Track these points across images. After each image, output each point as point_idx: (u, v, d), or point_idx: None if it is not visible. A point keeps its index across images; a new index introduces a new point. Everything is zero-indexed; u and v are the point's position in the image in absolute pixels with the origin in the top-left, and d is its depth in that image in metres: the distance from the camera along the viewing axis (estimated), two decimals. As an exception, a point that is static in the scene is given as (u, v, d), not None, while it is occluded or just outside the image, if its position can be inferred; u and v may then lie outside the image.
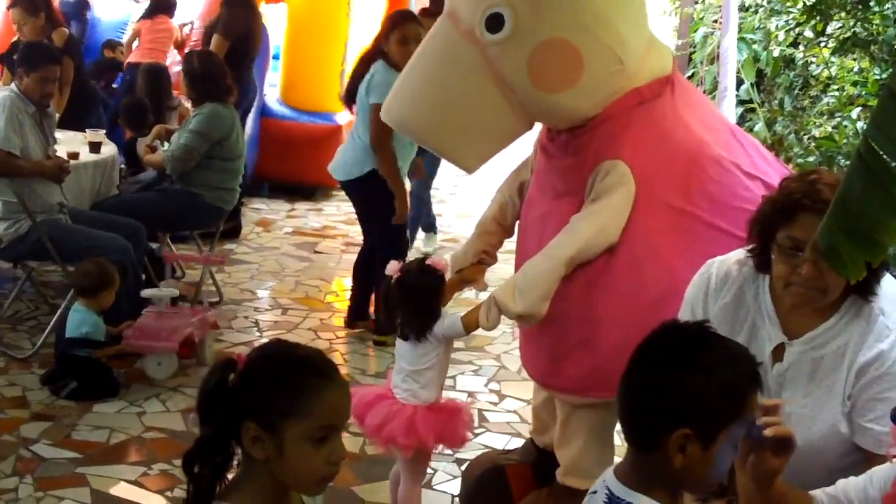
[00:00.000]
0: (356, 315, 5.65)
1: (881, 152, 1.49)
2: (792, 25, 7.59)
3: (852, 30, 6.16)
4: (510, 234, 3.43)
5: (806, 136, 7.13)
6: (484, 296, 3.15)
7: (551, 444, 3.25)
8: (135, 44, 8.97)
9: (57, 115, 5.72)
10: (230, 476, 1.78)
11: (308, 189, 8.85)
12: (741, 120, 7.73)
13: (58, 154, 5.40)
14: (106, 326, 4.73)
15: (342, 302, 6.17)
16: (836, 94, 6.88)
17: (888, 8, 5.76)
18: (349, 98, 5.45)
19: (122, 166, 6.53)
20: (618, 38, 2.87)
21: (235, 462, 1.79)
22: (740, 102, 7.71)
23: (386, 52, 5.21)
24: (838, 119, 6.62)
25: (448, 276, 3.37)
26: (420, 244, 7.25)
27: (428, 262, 3.34)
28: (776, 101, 7.95)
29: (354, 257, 5.82)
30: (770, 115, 7.68)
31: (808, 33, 7.21)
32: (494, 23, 2.82)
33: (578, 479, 3.01)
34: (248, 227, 7.76)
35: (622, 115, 2.91)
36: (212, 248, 6.03)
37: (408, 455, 3.31)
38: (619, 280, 2.89)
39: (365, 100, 5.22)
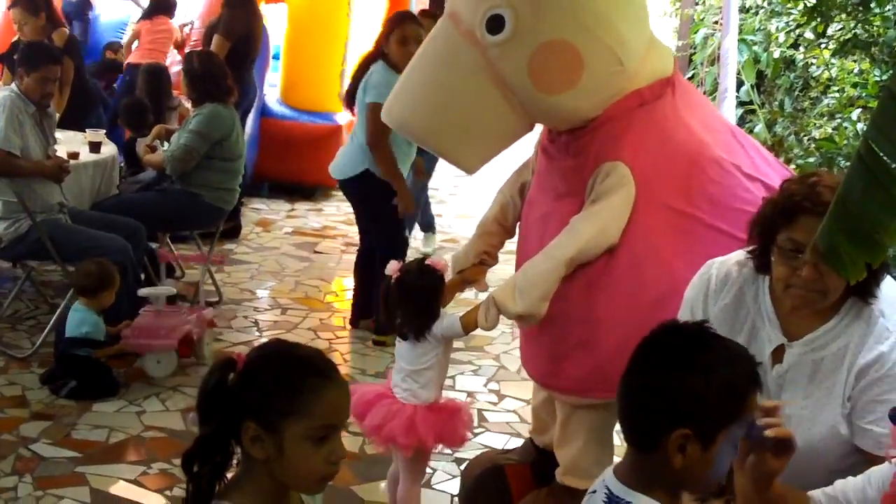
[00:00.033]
0: (360, 314, 5.66)
1: (881, 153, 1.49)
2: (792, 27, 7.59)
3: (853, 31, 6.16)
4: (511, 235, 3.43)
5: (806, 138, 7.12)
6: (483, 296, 3.15)
7: (551, 444, 3.26)
8: (134, 44, 8.97)
9: (57, 115, 5.72)
10: (230, 475, 1.79)
11: (308, 189, 8.85)
12: (741, 121, 7.73)
13: (58, 154, 5.40)
14: (105, 326, 4.73)
15: (342, 302, 6.18)
16: (837, 95, 6.88)
17: (889, 10, 5.76)
18: (350, 100, 5.46)
19: (122, 165, 6.53)
20: (618, 39, 2.87)
21: (235, 461, 1.79)
22: (740, 104, 7.71)
23: (386, 54, 5.23)
24: (838, 120, 6.61)
25: (448, 276, 3.37)
26: (419, 244, 7.25)
27: (427, 262, 3.35)
28: (776, 103, 7.95)
29: (354, 257, 5.82)
30: (770, 116, 7.68)
31: (809, 35, 7.21)
32: (495, 24, 2.82)
33: (578, 479, 3.01)
34: (248, 227, 7.76)
35: (623, 117, 2.91)
36: (212, 248, 6.03)
37: (407, 454, 3.31)
38: (619, 281, 2.89)
39: (362, 99, 5.23)
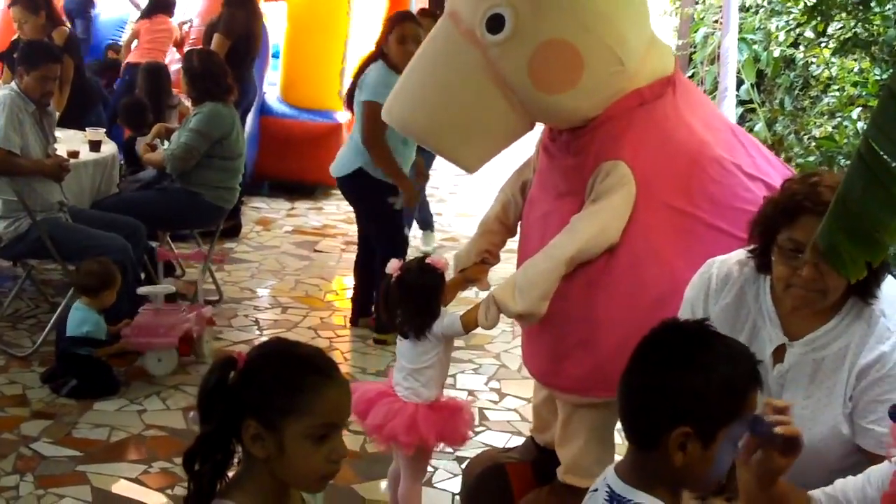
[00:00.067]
0: (360, 312, 5.66)
1: (881, 152, 1.49)
2: (792, 26, 7.59)
3: (853, 30, 6.16)
4: (513, 234, 3.43)
5: (806, 137, 7.13)
6: (483, 295, 3.15)
7: (552, 443, 3.26)
8: (134, 44, 8.96)
9: (57, 114, 5.72)
10: (231, 474, 1.79)
11: (308, 187, 8.85)
12: (741, 120, 7.74)
13: (58, 153, 5.40)
14: (105, 325, 4.74)
15: (342, 300, 6.18)
16: (837, 94, 6.88)
17: (889, 9, 5.76)
18: (350, 100, 5.48)
19: (122, 163, 6.52)
20: (618, 39, 2.87)
21: (236, 460, 1.79)
22: (740, 103, 7.72)
23: (386, 53, 5.24)
24: (839, 119, 6.62)
25: (449, 274, 3.37)
26: (419, 243, 7.25)
27: (428, 260, 3.34)
28: (776, 102, 7.95)
29: (354, 256, 5.82)
30: (770, 115, 7.68)
31: (809, 34, 7.21)
32: (495, 23, 2.82)
33: (579, 478, 3.01)
34: (248, 226, 7.76)
35: (623, 116, 2.91)
36: (212, 246, 6.03)
37: (409, 453, 3.31)
38: (620, 280, 2.89)
39: (359, 98, 5.26)
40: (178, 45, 9.03)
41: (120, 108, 7.18)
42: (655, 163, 2.90)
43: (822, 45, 7.05)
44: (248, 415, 1.72)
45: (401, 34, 5.19)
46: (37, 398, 4.54)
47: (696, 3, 8.89)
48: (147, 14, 8.83)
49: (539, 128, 3.16)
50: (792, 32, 7.65)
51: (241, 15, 7.40)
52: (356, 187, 5.41)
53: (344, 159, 5.41)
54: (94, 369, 4.62)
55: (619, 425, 1.95)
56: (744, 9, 7.93)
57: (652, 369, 1.76)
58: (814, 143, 6.70)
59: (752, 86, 7.72)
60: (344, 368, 4.73)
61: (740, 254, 2.53)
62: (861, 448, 2.33)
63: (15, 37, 7.28)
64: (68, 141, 5.87)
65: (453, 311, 3.31)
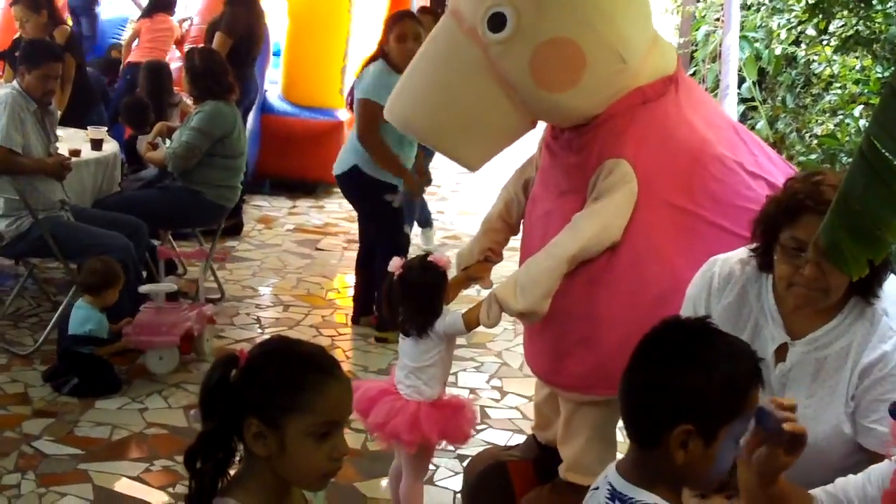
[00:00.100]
0: (362, 310, 5.67)
1: (883, 150, 1.49)
2: (794, 24, 7.60)
3: (854, 28, 6.16)
4: (516, 232, 3.43)
5: (808, 135, 7.14)
6: (485, 293, 3.15)
7: (553, 441, 3.26)
8: (135, 43, 8.96)
9: (59, 113, 5.72)
10: (232, 472, 1.79)
11: (309, 186, 8.85)
12: (743, 118, 7.74)
13: (59, 151, 5.40)
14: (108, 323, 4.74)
15: (344, 299, 6.18)
16: (839, 92, 6.88)
17: (890, 6, 5.76)
18: (351, 100, 5.50)
19: (123, 160, 6.52)
20: (620, 37, 2.87)
21: (238, 458, 1.79)
22: (742, 101, 7.72)
23: (387, 52, 5.25)
24: (840, 117, 6.62)
25: (451, 273, 3.37)
26: (418, 241, 7.24)
27: (430, 258, 3.34)
28: (778, 100, 7.96)
29: (356, 254, 5.83)
30: (772, 113, 7.69)
31: (811, 31, 7.22)
32: (497, 22, 2.82)
33: (581, 476, 3.01)
34: (250, 225, 7.76)
35: (625, 114, 2.91)
36: (213, 245, 6.03)
37: (411, 451, 3.31)
38: (621, 278, 2.89)
39: (356, 96, 5.28)
40: (179, 43, 9.03)
41: (121, 107, 7.18)
42: (657, 161, 2.90)
43: (824, 42, 7.05)
44: (249, 413, 1.72)
45: (400, 32, 5.20)
46: (38, 396, 4.55)
47: (698, 1, 8.89)
48: (148, 13, 8.83)
49: (541, 126, 3.16)
50: (793, 30, 7.66)
51: (242, 13, 7.39)
52: (352, 185, 5.44)
53: (341, 157, 5.45)
54: (96, 368, 4.62)
55: (620, 423, 1.94)
56: (745, 7, 7.94)
57: (653, 367, 1.76)
58: (815, 141, 6.71)
59: (753, 84, 7.73)
60: (345, 367, 4.74)
61: (742, 252, 2.53)
62: (863, 447, 2.33)
63: (17, 35, 7.29)
64: (70, 140, 5.87)
65: (455, 310, 3.31)
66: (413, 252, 5.41)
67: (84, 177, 5.64)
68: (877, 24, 6.05)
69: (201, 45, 7.12)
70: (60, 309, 5.03)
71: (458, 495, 3.80)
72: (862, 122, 6.05)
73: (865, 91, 6.49)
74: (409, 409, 3.30)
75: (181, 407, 4.51)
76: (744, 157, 3.00)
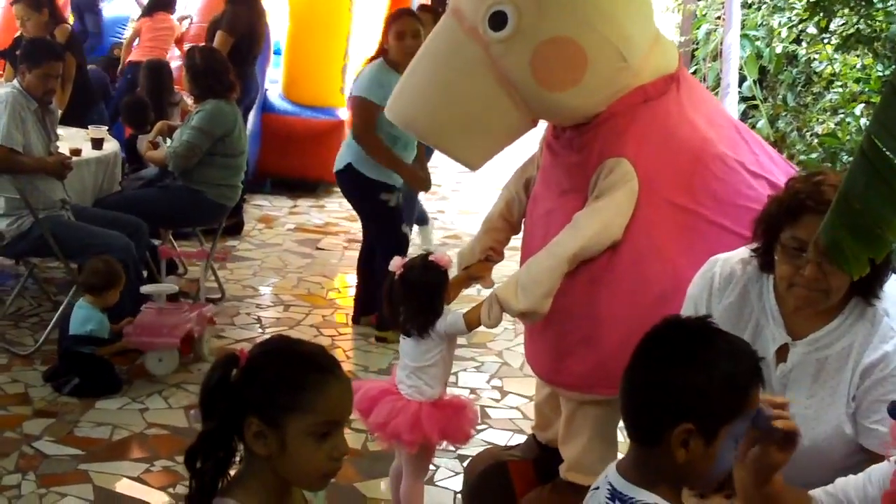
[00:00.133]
0: (362, 310, 5.66)
1: (884, 148, 1.49)
2: (795, 22, 7.59)
3: (855, 26, 6.16)
4: (517, 231, 3.43)
5: (809, 133, 7.13)
6: (486, 292, 3.14)
7: (554, 440, 3.26)
8: (135, 42, 8.96)
9: (59, 112, 5.72)
10: (232, 472, 1.79)
11: (310, 185, 8.84)
12: (744, 117, 7.74)
13: (60, 150, 5.40)
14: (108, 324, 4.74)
15: (344, 298, 6.18)
16: (840, 90, 6.88)
17: (891, 4, 5.76)
18: None
19: (124, 160, 6.52)
20: (622, 35, 2.86)
21: (238, 458, 1.79)
22: (743, 99, 7.71)
23: (386, 51, 5.26)
24: (841, 116, 6.62)
25: (452, 272, 3.37)
26: (417, 239, 7.23)
27: (431, 258, 3.33)
28: (779, 98, 7.95)
29: (356, 254, 5.83)
30: (773, 111, 7.68)
31: (812, 30, 7.21)
32: (498, 20, 2.82)
33: (582, 475, 3.00)
34: (251, 224, 7.76)
35: (626, 113, 2.91)
36: (214, 244, 6.02)
37: (412, 451, 3.31)
38: (622, 277, 2.89)
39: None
40: (179, 42, 9.03)
41: (121, 106, 7.18)
42: (658, 160, 2.90)
43: (825, 41, 7.05)
44: (250, 412, 1.72)
45: (399, 29, 5.21)
46: (39, 397, 4.54)
47: (699, -1, 8.88)
48: (148, 12, 8.83)
49: (542, 125, 3.16)
50: (794, 29, 7.65)
51: (244, 12, 7.39)
52: (347, 184, 5.46)
53: (339, 155, 5.47)
54: (97, 368, 4.62)
55: (621, 423, 1.94)
56: (746, 5, 7.93)
57: (654, 366, 1.76)
58: (816, 140, 6.71)
59: (754, 82, 7.72)
60: (346, 366, 4.73)
61: (743, 252, 2.53)
62: (864, 448, 2.33)
63: (17, 34, 7.28)
64: (70, 139, 5.86)
65: (456, 310, 3.30)
66: (413, 251, 5.40)
67: (85, 176, 5.64)
68: (878, 23, 6.04)
69: (202, 43, 7.11)
70: (61, 309, 5.03)
71: (459, 495, 3.80)
72: (863, 121, 6.04)
73: (866, 90, 6.49)
74: (410, 409, 3.29)
75: (182, 407, 4.51)
76: (745, 156, 3.00)
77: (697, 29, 8.58)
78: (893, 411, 1.92)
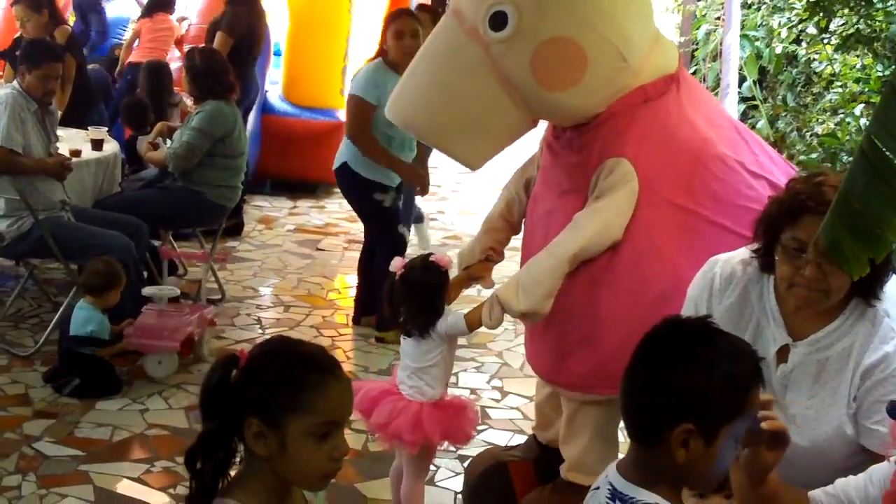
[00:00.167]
0: (362, 311, 5.67)
1: (884, 148, 1.49)
2: (795, 22, 7.59)
3: (855, 26, 6.16)
4: (517, 231, 3.43)
5: (808, 133, 7.13)
6: (486, 292, 3.14)
7: (554, 441, 3.26)
8: (136, 43, 8.96)
9: (59, 113, 5.72)
10: (233, 473, 1.79)
11: (310, 186, 8.84)
12: (744, 117, 7.74)
13: (60, 151, 5.40)
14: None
15: (344, 299, 6.18)
16: (839, 91, 6.88)
17: (891, 5, 5.76)
18: None
19: (123, 161, 6.52)
20: (622, 36, 2.87)
21: (238, 459, 1.79)
22: (743, 100, 7.71)
23: (386, 51, 5.27)
24: (841, 116, 6.62)
25: (453, 272, 3.37)
26: (413, 239, 7.21)
27: (432, 258, 3.33)
28: (779, 99, 7.95)
29: (357, 254, 5.84)
30: (772, 112, 7.68)
31: (811, 30, 7.21)
32: (498, 21, 2.82)
33: (583, 475, 3.00)
34: (251, 225, 7.75)
35: (626, 113, 2.91)
36: (214, 245, 6.02)
37: (413, 452, 3.31)
38: (622, 277, 2.89)
39: None
40: (179, 43, 9.03)
41: (121, 108, 7.18)
42: (658, 160, 2.90)
43: (825, 41, 7.05)
44: (250, 413, 1.72)
45: (397, 29, 5.23)
46: (39, 398, 4.54)
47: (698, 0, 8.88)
48: (147, 13, 8.83)
49: (542, 125, 3.16)
50: (794, 29, 7.65)
51: (244, 13, 7.39)
52: (344, 183, 5.49)
53: (337, 153, 5.49)
54: (97, 369, 4.61)
55: (622, 423, 1.94)
56: (746, 6, 7.93)
57: (654, 366, 1.76)
58: (816, 140, 6.71)
59: (754, 83, 7.72)
60: (346, 367, 4.73)
61: (743, 253, 2.53)
62: (865, 448, 2.33)
63: (17, 35, 7.28)
64: (70, 140, 5.86)
65: (457, 310, 3.30)
66: (411, 251, 5.40)
67: (84, 177, 5.63)
68: (877, 23, 6.05)
69: (202, 44, 7.11)
70: (61, 310, 5.03)
71: (459, 496, 3.80)
72: (863, 121, 6.05)
73: (866, 90, 6.49)
74: (411, 410, 3.29)
75: (182, 408, 4.51)
76: (745, 157, 3.00)
77: (697, 29, 8.58)
78: (892, 411, 1.92)
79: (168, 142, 6.16)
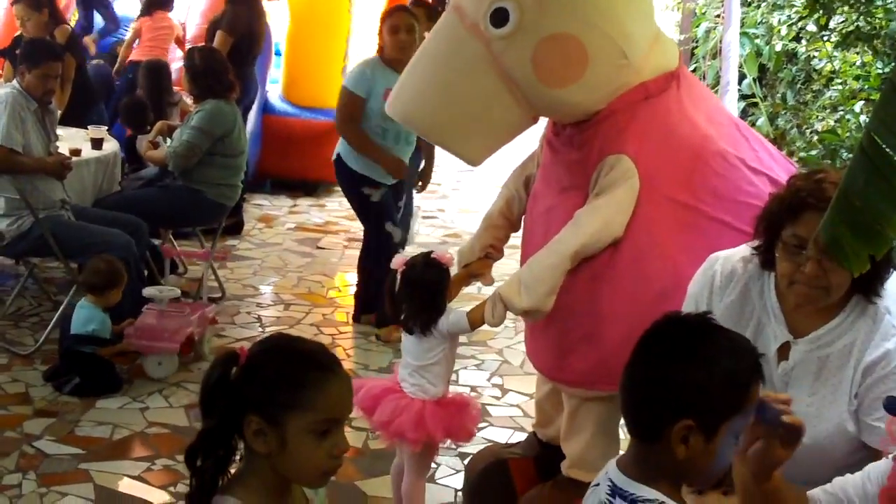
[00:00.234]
0: (363, 309, 5.67)
1: (884, 145, 1.49)
2: (794, 20, 7.58)
3: (855, 24, 6.16)
4: (516, 229, 3.43)
5: (808, 131, 7.13)
6: (487, 290, 3.14)
7: (555, 438, 3.26)
8: (135, 42, 8.96)
9: (59, 112, 5.72)
10: (233, 470, 1.79)
11: (310, 185, 8.84)
12: (743, 115, 7.73)
13: (60, 150, 5.40)
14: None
15: (345, 297, 6.18)
16: (839, 88, 6.87)
17: (891, 1, 5.76)
18: None
19: (123, 157, 6.52)
20: (622, 33, 2.87)
21: (238, 456, 1.79)
22: (742, 97, 7.70)
23: (382, 47, 5.29)
24: (841, 113, 6.62)
25: (454, 270, 3.36)
26: (417, 239, 7.22)
27: (433, 255, 3.33)
28: (778, 96, 7.94)
29: (356, 253, 5.84)
30: (772, 109, 7.67)
31: (811, 27, 7.21)
32: (499, 17, 2.83)
33: (584, 472, 3.00)
34: (251, 224, 7.76)
35: (627, 110, 2.91)
36: (214, 244, 6.02)
37: (416, 450, 3.30)
38: (623, 274, 2.89)
39: None
40: (180, 42, 9.03)
41: (120, 108, 7.18)
42: (659, 157, 2.90)
43: (825, 38, 7.04)
44: (250, 410, 1.72)
45: (392, 24, 5.27)
46: (39, 396, 4.54)
47: (698, -3, 8.87)
48: (147, 11, 8.82)
49: (542, 122, 3.16)
50: (794, 26, 7.64)
51: (244, 12, 7.39)
52: (338, 175, 5.54)
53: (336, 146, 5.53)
54: (97, 367, 4.61)
55: (622, 421, 1.94)
56: (745, 3, 7.92)
57: (655, 362, 1.76)
58: (816, 137, 6.70)
59: (754, 80, 7.71)
60: (346, 365, 4.74)
61: (744, 250, 2.53)
62: (867, 445, 2.33)
63: (17, 33, 7.28)
64: (70, 139, 5.86)
65: (459, 308, 3.30)
66: (412, 250, 5.40)
67: (84, 176, 5.63)
68: (877, 20, 6.04)
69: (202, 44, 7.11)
70: (61, 308, 5.03)
71: (460, 493, 3.80)
72: (862, 118, 6.04)
73: (866, 87, 6.48)
74: (414, 408, 3.28)
75: (182, 406, 4.51)
76: (745, 153, 3.00)
77: (697, 27, 8.57)
78: (889, 406, 1.92)
79: (168, 141, 6.16)
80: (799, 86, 7.81)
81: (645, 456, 1.78)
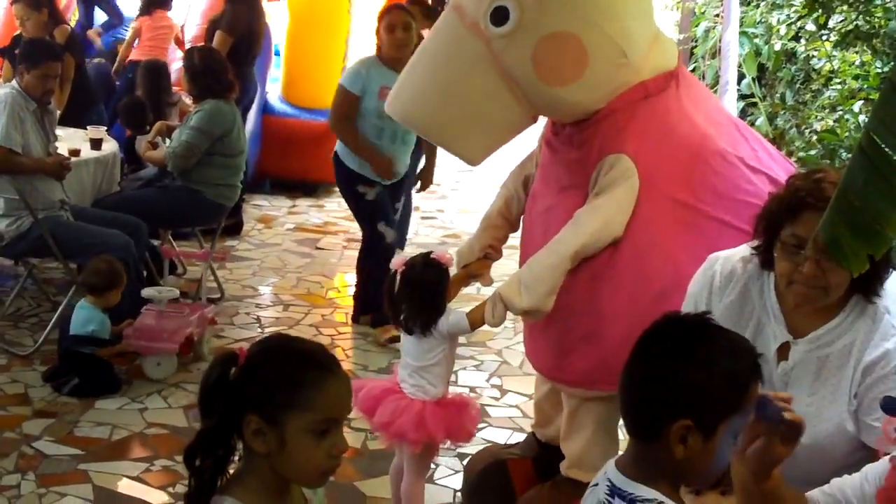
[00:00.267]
0: (362, 309, 5.66)
1: (883, 145, 1.49)
2: (794, 19, 7.58)
3: (854, 23, 6.16)
4: (515, 229, 3.43)
5: (808, 130, 7.12)
6: (486, 290, 3.14)
7: (554, 438, 3.26)
8: (135, 42, 8.96)
9: (58, 112, 5.72)
10: (232, 470, 1.78)
11: (310, 185, 8.84)
12: (743, 114, 7.73)
13: (59, 151, 5.40)
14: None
15: (344, 298, 6.18)
16: (838, 87, 6.87)
17: (890, 1, 5.75)
18: None
19: (122, 157, 6.51)
20: (622, 32, 2.87)
21: (237, 456, 1.78)
22: (742, 97, 7.70)
23: (379, 46, 5.30)
24: (840, 113, 6.61)
25: (453, 270, 3.36)
26: (416, 239, 7.21)
27: (433, 255, 3.33)
28: (778, 96, 7.94)
29: (356, 253, 5.83)
30: (772, 109, 7.67)
31: (810, 27, 7.21)
32: (499, 16, 2.83)
33: (584, 472, 3.00)
34: (250, 224, 7.75)
35: (626, 109, 2.91)
36: (213, 244, 6.02)
37: (417, 450, 3.30)
38: (623, 273, 2.89)
39: None
40: (180, 42, 9.03)
41: (119, 108, 7.17)
42: (658, 156, 2.90)
43: (824, 38, 7.04)
44: (249, 410, 1.72)
45: (389, 22, 5.29)
46: (38, 397, 4.54)
47: (697, -3, 8.87)
48: (146, 11, 8.81)
49: (541, 122, 3.16)
50: (793, 26, 7.64)
51: (243, 12, 7.39)
52: (335, 173, 5.55)
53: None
54: (96, 368, 4.61)
55: (621, 421, 1.94)
56: (745, 2, 7.92)
57: (654, 361, 1.76)
58: (815, 137, 6.70)
59: (753, 80, 7.71)
60: (346, 366, 4.74)
61: (744, 250, 2.53)
62: (866, 445, 2.33)
63: (17, 33, 7.28)
64: (69, 139, 5.86)
65: (459, 308, 3.29)
66: (411, 251, 5.39)
67: (83, 176, 5.63)
68: (876, 19, 6.04)
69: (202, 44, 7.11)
70: (60, 309, 5.03)
71: (459, 494, 3.80)
72: (861, 118, 6.04)
73: (865, 86, 6.48)
74: (414, 408, 3.28)
75: (181, 407, 4.50)
76: (744, 152, 3.01)
77: (696, 26, 8.57)
78: (886, 406, 1.92)
79: (167, 141, 6.16)
80: (798, 85, 7.81)
81: (644, 456, 1.78)
